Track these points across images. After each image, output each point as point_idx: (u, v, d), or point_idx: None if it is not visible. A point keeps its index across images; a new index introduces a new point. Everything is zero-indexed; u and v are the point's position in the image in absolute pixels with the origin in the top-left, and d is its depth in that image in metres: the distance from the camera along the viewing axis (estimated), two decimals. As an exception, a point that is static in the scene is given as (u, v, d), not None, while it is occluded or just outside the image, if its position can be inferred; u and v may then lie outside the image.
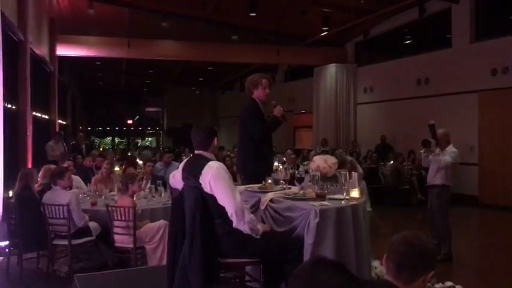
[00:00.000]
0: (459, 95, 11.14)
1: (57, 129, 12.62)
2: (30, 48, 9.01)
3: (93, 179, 6.95)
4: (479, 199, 10.63)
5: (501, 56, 10.23)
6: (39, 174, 5.97)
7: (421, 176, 10.23)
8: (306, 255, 3.11)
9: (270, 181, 3.96)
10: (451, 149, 6.08)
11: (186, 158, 4.43)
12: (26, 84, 8.50)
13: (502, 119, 10.25)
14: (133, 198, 5.41)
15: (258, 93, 4.56)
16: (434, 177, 6.08)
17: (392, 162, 11.67)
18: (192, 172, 3.22)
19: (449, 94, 11.41)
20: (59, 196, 5.18)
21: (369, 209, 9.03)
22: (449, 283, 4.66)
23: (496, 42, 10.48)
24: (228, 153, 12.85)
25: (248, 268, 3.65)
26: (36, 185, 5.74)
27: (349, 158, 9.71)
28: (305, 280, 1.39)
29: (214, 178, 3.09)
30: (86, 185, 6.83)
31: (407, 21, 12.85)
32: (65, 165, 6.80)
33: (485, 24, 11.09)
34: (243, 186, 4.01)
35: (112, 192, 6.23)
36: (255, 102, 4.56)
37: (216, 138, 3.36)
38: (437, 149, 5.97)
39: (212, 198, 3.12)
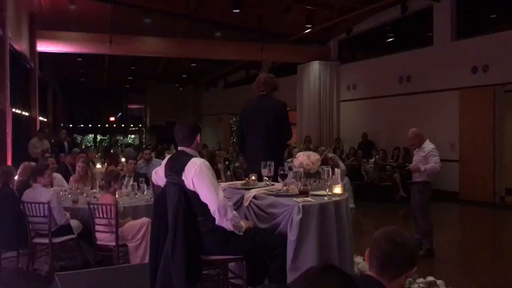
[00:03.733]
0: (440, 93, 11.28)
1: (38, 127, 12.44)
2: (10, 43, 8.83)
3: (71, 179, 6.86)
4: (459, 195, 10.79)
5: (482, 54, 10.39)
6: (18, 172, 5.87)
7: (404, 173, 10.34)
8: (289, 251, 3.12)
9: (253, 178, 3.95)
10: (428, 145, 6.12)
11: (169, 154, 4.38)
12: (5, 80, 8.33)
13: (482, 116, 10.41)
14: (115, 195, 5.35)
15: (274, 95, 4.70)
16: (417, 174, 6.14)
17: (376, 158, 11.81)
18: (175, 169, 3.20)
19: (430, 92, 11.54)
20: (39, 194, 5.10)
21: (352, 205, 9.12)
22: (430, 278, 4.71)
23: (476, 40, 10.63)
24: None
25: (231, 265, 3.64)
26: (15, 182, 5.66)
27: (331, 154, 9.76)
28: (310, 284, 1.41)
29: (197, 175, 3.07)
30: (67, 182, 6.74)
31: (390, 19, 12.95)
32: (48, 162, 6.70)
33: (466, 23, 11.25)
34: (226, 183, 4.00)
35: (93, 190, 6.16)
36: None
37: (199, 135, 3.33)
38: (422, 166, 5.99)
39: (195, 195, 3.10)
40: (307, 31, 13.49)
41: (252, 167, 4.36)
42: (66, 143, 12.74)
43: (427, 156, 6.03)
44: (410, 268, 1.91)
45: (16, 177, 5.77)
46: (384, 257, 1.87)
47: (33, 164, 6.09)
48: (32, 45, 12.33)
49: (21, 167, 5.88)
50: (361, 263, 4.83)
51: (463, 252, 6.93)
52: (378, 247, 1.90)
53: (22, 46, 10.94)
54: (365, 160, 12.16)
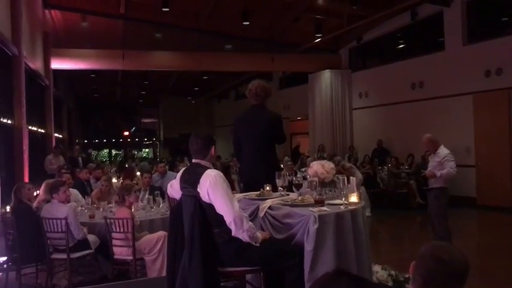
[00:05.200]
0: (454, 98, 11.19)
1: (54, 143, 12.59)
2: (25, 62, 9.00)
3: (92, 194, 6.91)
4: (477, 200, 10.64)
5: (494, 58, 10.29)
6: (41, 189, 5.94)
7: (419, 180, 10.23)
8: (306, 262, 3.10)
9: (268, 188, 3.95)
10: (442, 151, 6.06)
11: (183, 167, 4.41)
12: (21, 98, 8.48)
13: (497, 119, 10.29)
14: (131, 209, 5.38)
15: (267, 103, 4.70)
16: (433, 180, 6.08)
17: (389, 166, 11.72)
18: (190, 181, 3.21)
19: (444, 97, 11.45)
20: (56, 209, 5.16)
21: (368, 213, 9.04)
22: (450, 285, 4.62)
23: (488, 43, 10.55)
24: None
25: (249, 276, 3.63)
26: (37, 200, 5.73)
27: (348, 164, 9.71)
28: None
29: (212, 186, 3.07)
30: (83, 197, 6.79)
31: (400, 25, 12.93)
32: (64, 178, 6.77)
33: (477, 26, 11.17)
34: (241, 194, 4.00)
35: (110, 205, 6.20)
36: None
37: (214, 147, 3.34)
38: (438, 172, 5.94)
39: (210, 206, 3.11)
40: (317, 40, 13.51)
41: (245, 177, 4.55)
42: (80, 159, 12.85)
43: (442, 162, 5.98)
44: None
45: (40, 195, 5.83)
46: (428, 274, 1.79)
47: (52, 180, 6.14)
48: (47, 63, 12.54)
49: (43, 184, 5.94)
50: (379, 272, 4.78)
51: (482, 259, 6.81)
52: (424, 264, 1.81)
53: (37, 64, 11.13)
54: (380, 168, 12.07)
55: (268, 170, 4.16)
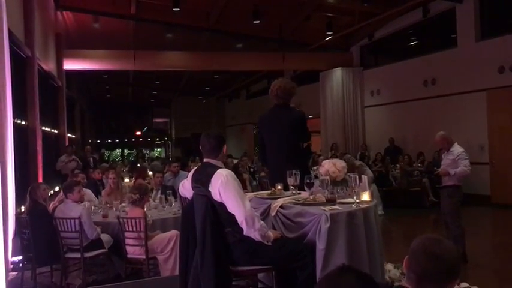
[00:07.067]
0: (467, 94, 11.07)
1: (67, 144, 12.69)
2: (38, 64, 9.08)
3: (103, 193, 6.97)
4: (491, 198, 10.52)
5: (508, 54, 10.17)
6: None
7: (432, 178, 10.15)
8: (318, 261, 3.09)
9: (279, 187, 3.94)
10: (456, 149, 6.00)
11: (194, 166, 4.41)
12: (34, 99, 8.56)
13: (511, 116, 10.16)
14: (143, 209, 5.42)
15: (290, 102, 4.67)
16: (446, 178, 6.02)
17: (402, 164, 11.64)
18: (201, 180, 3.22)
19: (457, 94, 11.34)
20: (70, 209, 5.21)
21: (380, 212, 9.00)
22: (465, 284, 4.59)
23: (502, 39, 10.41)
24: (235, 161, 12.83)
25: (261, 275, 3.63)
26: (57, 199, 5.80)
27: (358, 162, 9.67)
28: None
29: (223, 186, 3.08)
30: (96, 197, 6.85)
31: (412, 22, 12.82)
32: (78, 178, 6.84)
33: (490, 22, 11.04)
34: (253, 193, 4.01)
35: (123, 204, 6.24)
36: None
37: (225, 146, 3.36)
38: (452, 171, 5.88)
39: (222, 206, 3.12)
40: (328, 38, 13.46)
41: (275, 181, 4.35)
42: (91, 159, 12.89)
43: (456, 160, 5.92)
44: (451, 281, 1.78)
45: (60, 194, 5.90)
46: (423, 272, 1.76)
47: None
48: (59, 64, 12.64)
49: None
50: (392, 271, 4.75)
51: (497, 257, 6.74)
52: (416, 261, 1.77)
53: (50, 66, 11.23)
54: (392, 166, 12.00)
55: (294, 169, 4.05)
